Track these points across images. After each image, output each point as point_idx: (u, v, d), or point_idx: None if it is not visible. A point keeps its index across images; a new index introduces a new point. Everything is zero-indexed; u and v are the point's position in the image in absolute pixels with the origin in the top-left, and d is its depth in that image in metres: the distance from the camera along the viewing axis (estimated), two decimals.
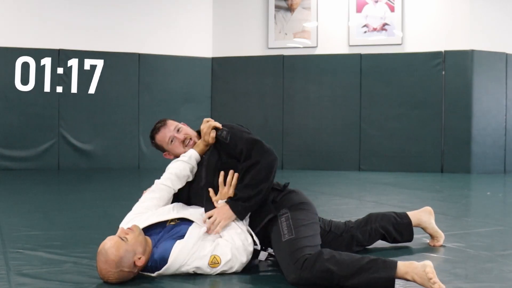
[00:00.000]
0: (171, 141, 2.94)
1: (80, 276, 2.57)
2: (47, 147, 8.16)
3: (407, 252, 3.10)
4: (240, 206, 2.69)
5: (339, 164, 8.45)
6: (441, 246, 3.23)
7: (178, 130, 2.93)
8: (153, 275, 2.55)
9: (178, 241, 2.56)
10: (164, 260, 2.53)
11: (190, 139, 2.94)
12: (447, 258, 2.97)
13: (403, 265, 2.39)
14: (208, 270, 2.57)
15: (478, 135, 8.07)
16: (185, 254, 2.53)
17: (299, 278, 2.43)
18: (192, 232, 2.60)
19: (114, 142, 8.46)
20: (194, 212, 2.76)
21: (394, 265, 2.39)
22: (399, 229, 3.16)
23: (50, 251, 3.02)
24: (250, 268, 2.70)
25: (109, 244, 2.42)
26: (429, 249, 3.18)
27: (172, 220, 2.70)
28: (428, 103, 8.19)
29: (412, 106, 8.25)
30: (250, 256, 2.66)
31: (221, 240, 2.62)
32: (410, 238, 3.19)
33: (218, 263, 2.56)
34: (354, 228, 3.07)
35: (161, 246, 2.57)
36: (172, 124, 2.95)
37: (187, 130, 2.97)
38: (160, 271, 2.54)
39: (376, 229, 3.10)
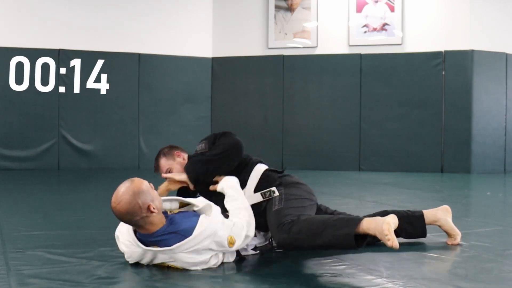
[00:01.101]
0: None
1: (80, 276, 2.57)
2: (47, 147, 8.16)
3: (420, 248, 3.08)
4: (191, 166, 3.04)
5: (339, 164, 8.45)
6: (458, 244, 3.20)
7: (169, 172, 3.19)
8: (171, 247, 2.57)
9: (203, 215, 2.66)
10: (189, 231, 2.57)
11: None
12: (447, 258, 2.97)
13: (367, 221, 2.54)
14: (225, 246, 2.68)
15: (478, 135, 8.07)
16: (212, 229, 2.61)
17: (279, 239, 2.72)
18: (218, 212, 2.74)
19: (114, 142, 8.46)
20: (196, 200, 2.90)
21: (357, 221, 2.56)
22: (409, 221, 3.16)
23: (50, 251, 3.02)
24: (255, 266, 2.70)
25: (138, 179, 2.63)
26: (438, 248, 3.14)
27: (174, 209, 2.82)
28: (428, 103, 8.19)
29: (412, 106, 8.25)
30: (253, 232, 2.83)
31: (237, 221, 2.77)
32: (422, 231, 3.18)
33: (233, 243, 2.70)
34: None
35: (185, 219, 2.64)
36: (164, 166, 3.20)
37: (176, 170, 3.18)
38: (182, 242, 2.56)
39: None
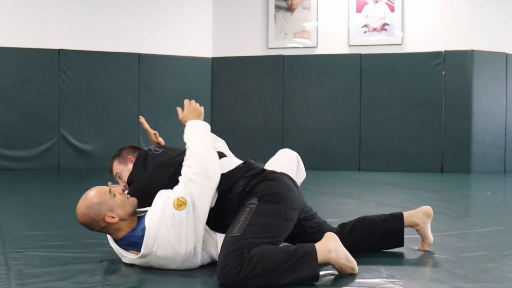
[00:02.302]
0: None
1: (80, 276, 2.57)
2: (47, 147, 8.16)
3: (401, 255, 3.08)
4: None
5: (339, 164, 8.45)
6: (426, 251, 3.06)
7: (119, 177, 3.06)
8: (137, 256, 2.57)
9: (148, 212, 2.59)
10: (142, 236, 2.54)
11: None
12: (447, 258, 2.96)
13: (321, 253, 2.42)
14: (178, 214, 2.49)
15: (478, 135, 8.07)
16: (157, 214, 2.52)
17: (220, 282, 2.36)
18: (156, 201, 2.59)
19: (114, 142, 8.43)
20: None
21: (313, 256, 2.39)
22: (387, 237, 2.97)
23: (50, 251, 3.02)
24: None
25: (96, 189, 2.61)
26: (438, 248, 3.11)
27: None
28: (428, 103, 8.19)
29: (412, 106, 8.25)
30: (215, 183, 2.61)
31: (181, 179, 2.60)
32: (400, 244, 3.01)
33: (185, 203, 2.51)
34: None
35: (138, 226, 2.62)
36: (114, 170, 3.08)
37: (125, 177, 3.01)
38: (142, 248, 2.53)
39: (361, 238, 2.94)
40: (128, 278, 2.55)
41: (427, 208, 3.04)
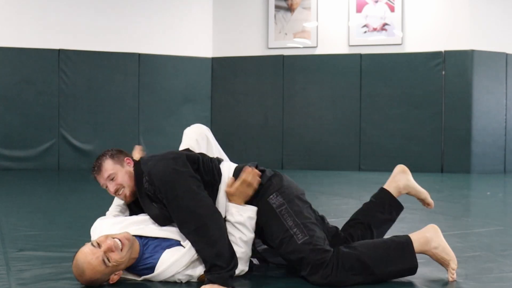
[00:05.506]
0: (106, 188, 2.72)
1: None
2: (47, 147, 8.16)
3: None
4: (223, 274, 2.31)
5: (339, 164, 8.45)
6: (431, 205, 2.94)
7: (111, 179, 2.64)
8: (139, 279, 2.47)
9: (167, 251, 2.44)
10: (152, 269, 2.44)
11: (123, 187, 2.64)
12: None
13: (418, 242, 2.52)
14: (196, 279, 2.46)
15: (478, 135, 8.07)
16: (175, 268, 2.42)
17: (321, 281, 2.40)
18: (188, 251, 2.43)
19: (114, 142, 8.42)
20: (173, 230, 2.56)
21: (411, 248, 2.50)
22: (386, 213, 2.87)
23: (50, 251, 3.02)
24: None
25: (87, 263, 2.29)
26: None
27: None
28: (428, 103, 8.19)
29: (412, 106, 8.25)
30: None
31: None
32: (399, 209, 2.90)
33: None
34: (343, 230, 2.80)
35: (151, 256, 2.45)
36: (106, 171, 2.65)
37: (121, 178, 2.63)
38: (147, 277, 2.46)
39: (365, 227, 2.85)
40: (128, 278, 2.55)
41: (400, 168, 2.95)
